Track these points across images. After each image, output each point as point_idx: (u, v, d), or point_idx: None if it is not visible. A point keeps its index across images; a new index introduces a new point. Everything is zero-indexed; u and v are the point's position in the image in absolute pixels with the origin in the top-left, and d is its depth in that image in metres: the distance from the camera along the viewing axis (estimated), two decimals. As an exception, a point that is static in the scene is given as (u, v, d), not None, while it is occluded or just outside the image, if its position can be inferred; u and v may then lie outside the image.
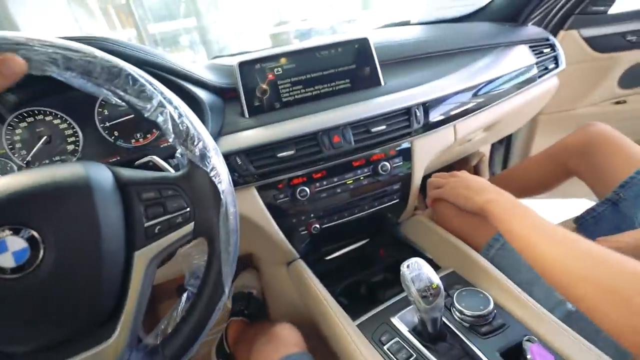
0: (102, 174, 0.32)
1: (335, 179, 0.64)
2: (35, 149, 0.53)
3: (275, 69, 0.62)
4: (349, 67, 0.66)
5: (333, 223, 0.66)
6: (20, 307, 0.28)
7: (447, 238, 0.64)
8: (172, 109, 0.33)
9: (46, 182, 0.29)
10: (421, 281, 0.43)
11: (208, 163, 0.34)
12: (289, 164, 0.58)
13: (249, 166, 0.55)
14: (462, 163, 1.16)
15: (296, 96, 0.63)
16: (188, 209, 0.33)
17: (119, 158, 0.56)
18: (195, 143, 0.34)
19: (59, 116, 0.54)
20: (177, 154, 0.39)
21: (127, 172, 0.33)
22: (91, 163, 0.33)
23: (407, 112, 0.65)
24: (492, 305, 0.49)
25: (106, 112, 0.56)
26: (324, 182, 0.63)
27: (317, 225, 0.64)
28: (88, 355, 0.30)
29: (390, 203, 0.70)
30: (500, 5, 0.91)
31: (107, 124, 0.56)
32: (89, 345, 0.30)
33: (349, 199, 0.66)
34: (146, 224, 0.32)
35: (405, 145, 0.67)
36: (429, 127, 0.67)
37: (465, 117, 0.72)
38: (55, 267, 0.28)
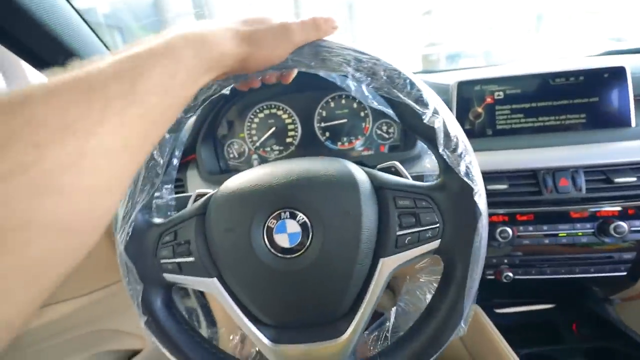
0: (361, 173, 0.33)
1: (545, 227, 0.54)
2: (265, 137, 0.63)
3: (497, 93, 0.56)
4: (590, 99, 0.55)
5: (529, 277, 0.56)
6: (283, 285, 0.30)
7: None
8: (445, 117, 0.31)
9: (320, 173, 0.31)
10: None
11: (473, 179, 0.30)
12: (497, 198, 0.52)
13: (454, 192, 0.51)
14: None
15: (513, 125, 0.57)
16: (438, 225, 0.31)
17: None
18: (463, 156, 0.30)
19: (287, 112, 0.62)
20: (427, 164, 0.38)
21: (384, 176, 0.33)
22: (348, 161, 0.34)
23: (674, 165, 0.50)
24: None
25: (324, 114, 0.62)
26: (530, 228, 0.54)
27: (510, 274, 0.55)
28: (319, 346, 0.30)
29: (612, 274, 0.55)
30: None
31: (323, 125, 0.62)
32: (322, 338, 0.31)
33: (557, 255, 0.55)
34: (398, 233, 0.31)
35: (654, 206, 0.52)
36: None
37: None
38: (317, 256, 0.29)
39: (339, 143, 0.62)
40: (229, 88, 0.33)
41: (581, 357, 0.55)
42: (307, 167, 0.32)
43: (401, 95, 0.30)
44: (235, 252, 0.30)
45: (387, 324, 0.37)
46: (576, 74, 0.54)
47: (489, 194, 0.52)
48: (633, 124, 0.53)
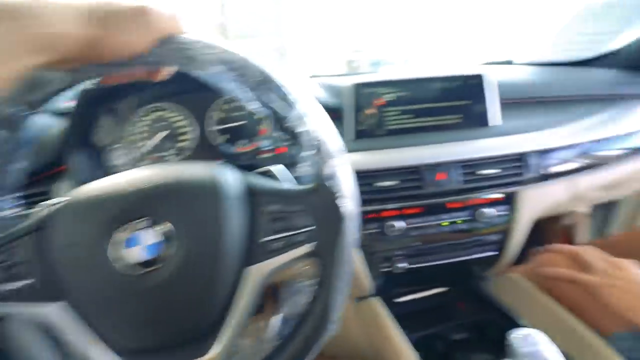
0: (232, 178, 0.31)
1: (430, 218, 0.59)
2: (153, 142, 0.57)
3: (387, 95, 0.60)
4: (462, 102, 0.62)
5: (419, 265, 0.61)
6: (138, 303, 0.27)
7: (556, 312, 0.55)
8: (312, 119, 0.31)
9: (182, 179, 0.29)
10: (537, 361, 0.36)
11: (337, 183, 0.30)
12: (386, 194, 0.55)
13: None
14: (552, 222, 1.02)
15: (402, 125, 0.61)
16: (311, 228, 0.31)
17: (222, 161, 0.58)
18: (328, 159, 0.30)
19: (179, 115, 0.58)
20: (301, 167, 0.37)
21: (255, 180, 0.32)
22: (222, 166, 0.33)
23: (521, 158, 0.59)
24: None
25: (221, 116, 0.59)
26: (418, 220, 0.59)
27: (403, 264, 0.59)
28: None
29: (485, 254, 0.62)
30: (633, 52, 0.81)
31: (219, 127, 0.59)
32: (185, 358, 0.28)
33: (441, 242, 0.61)
34: (267, 238, 0.30)
35: (511, 194, 0.61)
36: (543, 177, 0.60)
37: (586, 172, 0.63)
38: (174, 269, 0.27)
39: (235, 147, 0.59)
40: (95, 82, 0.29)
41: (466, 331, 0.62)
42: (168, 173, 0.30)
43: (270, 97, 0.30)
44: (81, 270, 0.27)
45: (269, 332, 0.37)
46: (449, 79, 0.61)
47: (381, 190, 0.56)
48: (492, 123, 0.61)
